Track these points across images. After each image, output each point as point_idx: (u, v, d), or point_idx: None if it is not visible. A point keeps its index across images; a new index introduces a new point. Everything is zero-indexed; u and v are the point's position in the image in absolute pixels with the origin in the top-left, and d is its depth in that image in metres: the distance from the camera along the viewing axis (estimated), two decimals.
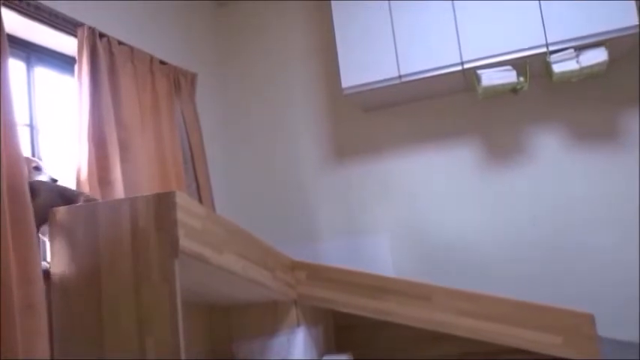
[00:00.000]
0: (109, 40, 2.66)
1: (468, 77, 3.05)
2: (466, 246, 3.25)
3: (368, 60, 3.11)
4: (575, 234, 3.06)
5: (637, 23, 2.66)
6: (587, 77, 2.90)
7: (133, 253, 1.70)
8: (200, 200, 3.07)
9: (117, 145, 2.49)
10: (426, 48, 3.01)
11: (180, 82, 3.21)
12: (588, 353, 2.28)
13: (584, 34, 2.75)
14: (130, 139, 2.63)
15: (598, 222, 3.03)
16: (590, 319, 2.29)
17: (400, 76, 3.05)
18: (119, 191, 2.40)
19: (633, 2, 2.67)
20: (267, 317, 2.59)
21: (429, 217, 3.35)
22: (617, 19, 2.69)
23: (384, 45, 3.10)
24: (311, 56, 3.75)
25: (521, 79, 2.91)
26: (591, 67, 2.77)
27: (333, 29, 3.21)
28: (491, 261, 3.17)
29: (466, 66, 2.95)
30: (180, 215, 1.69)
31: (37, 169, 2.04)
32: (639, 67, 3.03)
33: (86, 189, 2.29)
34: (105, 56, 2.60)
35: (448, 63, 2.97)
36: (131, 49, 2.82)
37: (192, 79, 3.35)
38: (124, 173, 2.49)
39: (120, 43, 2.74)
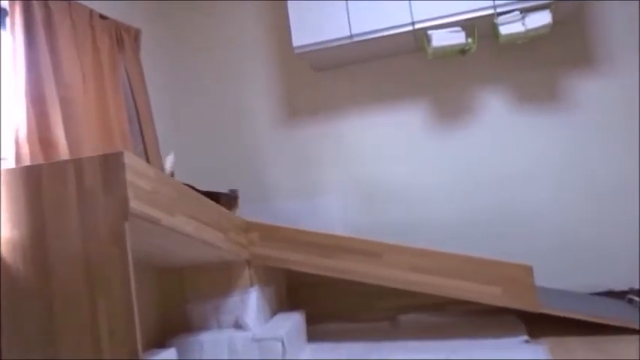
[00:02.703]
0: None
1: (418, 38, 3.07)
2: (416, 204, 3.34)
3: (319, 19, 3.07)
4: (520, 191, 3.20)
5: None
6: (532, 39, 2.98)
7: (80, 215, 1.65)
8: (148, 162, 2.99)
9: (58, 104, 2.37)
10: (377, 8, 3.00)
11: (124, 38, 3.06)
12: (527, 302, 2.43)
13: None
14: (72, 97, 2.51)
15: (541, 180, 3.18)
16: (528, 271, 2.44)
17: (352, 36, 3.03)
18: (62, 152, 2.30)
19: None
20: (221, 278, 2.60)
21: (380, 177, 3.41)
22: None
23: (336, 4, 3.06)
24: (261, 13, 3.66)
25: (470, 40, 2.96)
26: (536, 29, 2.84)
27: None
28: (440, 217, 3.29)
29: (417, 26, 2.96)
30: (130, 176, 1.65)
31: None
32: (581, 30, 3.14)
33: (26, 149, 2.19)
34: (40, 9, 2.44)
35: (399, 23, 2.97)
36: (68, 2, 2.66)
37: (135, 35, 3.21)
38: (67, 134, 2.38)
39: None
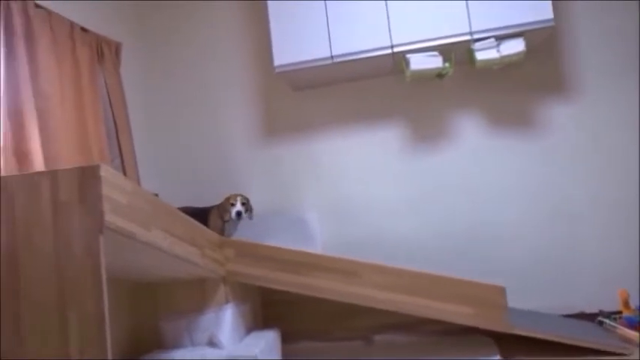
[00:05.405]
0: (24, 2, 2.48)
1: (397, 60, 3.14)
2: (391, 224, 3.37)
3: (301, 39, 3.11)
4: (493, 213, 3.26)
5: (552, 17, 2.85)
6: (507, 65, 3.08)
7: (54, 228, 1.63)
8: (124, 176, 2.96)
9: (35, 116, 2.35)
10: (358, 30, 3.06)
11: (104, 51, 3.06)
12: (499, 323, 2.47)
13: (505, 24, 2.90)
14: (50, 109, 2.48)
15: (514, 202, 3.24)
16: (501, 292, 2.47)
17: (332, 57, 3.08)
18: (38, 164, 2.27)
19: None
20: (195, 295, 2.57)
21: (356, 196, 3.44)
22: (534, 12, 2.87)
23: (317, 25, 3.11)
24: (242, 33, 3.69)
25: (447, 64, 3.04)
26: (510, 56, 2.93)
27: (267, 7, 3.17)
28: (414, 238, 3.32)
29: (396, 50, 3.02)
30: (106, 189, 1.64)
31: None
32: (554, 58, 3.25)
33: (0, 161, 2.15)
34: (20, 19, 2.42)
35: (379, 46, 3.03)
36: (49, 13, 2.65)
37: (116, 48, 3.21)
38: (44, 146, 2.35)
39: (37, 6, 2.57)
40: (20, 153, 2.25)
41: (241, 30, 3.70)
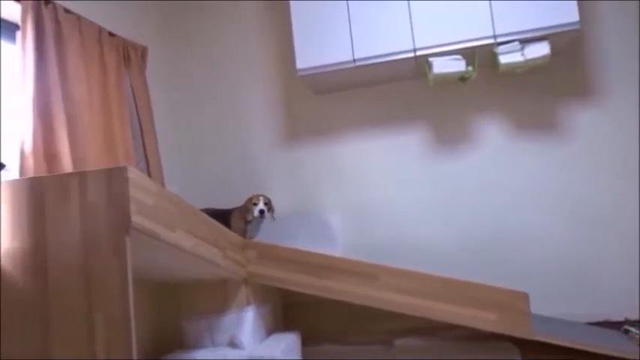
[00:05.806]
0: (54, 7, 2.54)
1: (419, 64, 3.13)
2: (412, 228, 3.36)
3: (323, 43, 3.13)
4: (515, 217, 3.22)
5: (578, 20, 2.81)
6: (531, 69, 3.04)
7: (82, 228, 1.66)
8: (149, 177, 3.01)
9: (64, 118, 2.41)
10: (380, 34, 3.06)
11: (130, 55, 3.12)
12: (521, 329, 2.43)
13: (529, 27, 2.87)
14: (78, 112, 2.54)
15: (536, 207, 3.20)
16: (524, 298, 2.44)
17: (354, 60, 3.08)
18: (66, 166, 2.33)
19: (575, 1, 2.81)
20: (217, 295, 2.60)
21: (377, 199, 3.44)
22: (559, 15, 2.83)
23: (340, 29, 3.12)
24: (265, 36, 3.72)
25: (470, 68, 3.02)
26: (534, 59, 2.90)
27: (289, 10, 3.20)
28: (435, 242, 3.30)
29: (418, 53, 3.02)
30: (133, 191, 1.67)
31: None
32: (579, 62, 3.20)
33: (30, 162, 2.21)
34: (50, 24, 2.49)
35: (401, 49, 3.03)
36: (78, 18, 2.71)
37: (142, 52, 3.26)
38: (72, 148, 2.41)
39: (66, 11, 2.63)
40: (50, 155, 2.31)
41: (264, 33, 3.73)
